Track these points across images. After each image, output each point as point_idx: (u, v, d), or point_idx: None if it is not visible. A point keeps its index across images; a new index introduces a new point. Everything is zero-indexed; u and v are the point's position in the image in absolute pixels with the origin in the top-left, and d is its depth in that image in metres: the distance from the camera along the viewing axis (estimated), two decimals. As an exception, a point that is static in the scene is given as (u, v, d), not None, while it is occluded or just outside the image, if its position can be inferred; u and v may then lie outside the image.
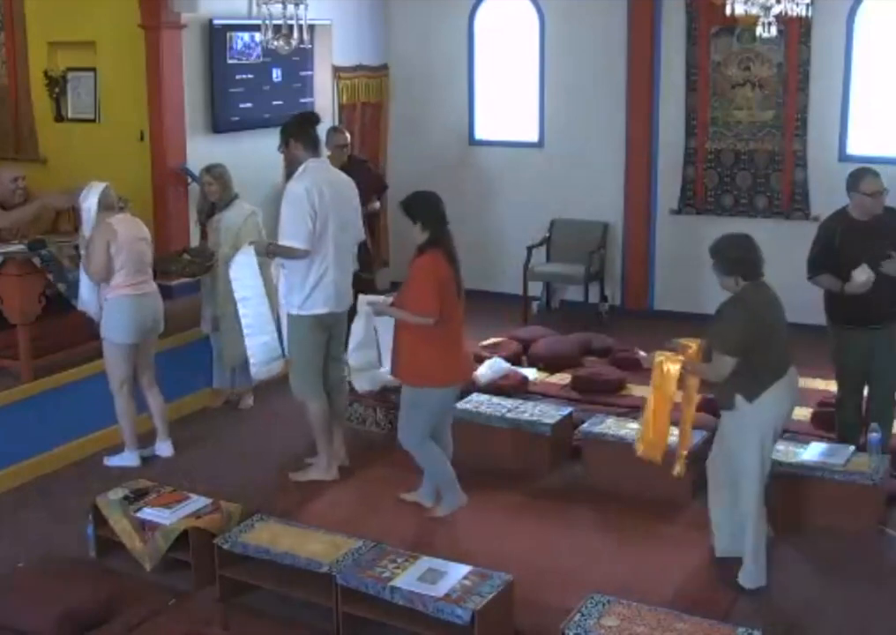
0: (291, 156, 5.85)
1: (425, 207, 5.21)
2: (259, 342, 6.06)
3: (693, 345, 4.83)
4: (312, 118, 5.90)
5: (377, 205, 7.86)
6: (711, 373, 4.69)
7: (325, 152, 7.22)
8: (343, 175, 5.96)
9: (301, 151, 5.71)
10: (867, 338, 5.61)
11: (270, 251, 5.79)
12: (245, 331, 6.08)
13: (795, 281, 8.41)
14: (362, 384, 6.01)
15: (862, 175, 5.46)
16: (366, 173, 7.71)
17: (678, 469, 4.96)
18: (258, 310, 6.07)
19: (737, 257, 4.73)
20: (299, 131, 5.72)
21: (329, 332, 5.82)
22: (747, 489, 4.71)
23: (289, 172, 5.82)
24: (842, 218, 5.58)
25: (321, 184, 5.62)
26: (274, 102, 8.42)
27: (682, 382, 4.81)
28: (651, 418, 4.85)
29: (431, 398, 5.28)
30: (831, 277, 5.57)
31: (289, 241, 5.58)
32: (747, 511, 4.73)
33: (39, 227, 6.72)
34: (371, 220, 7.74)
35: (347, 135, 7.65)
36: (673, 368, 4.73)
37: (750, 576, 4.72)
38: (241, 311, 6.07)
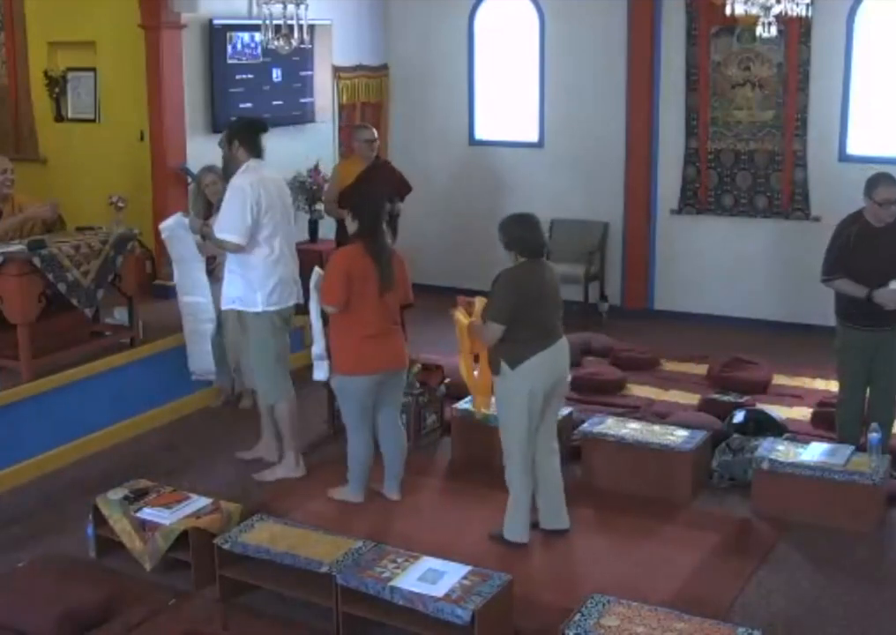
0: (231, 157, 5.84)
1: (362, 201, 5.43)
2: (192, 300, 6.20)
3: (478, 304, 5.20)
4: (259, 125, 5.88)
5: (400, 205, 7.84)
6: (483, 336, 5.04)
7: (356, 146, 7.63)
8: (277, 175, 5.96)
9: (243, 153, 5.72)
10: (872, 338, 5.60)
11: (203, 232, 5.93)
12: (178, 289, 6.24)
13: (796, 281, 8.49)
14: (316, 374, 5.89)
15: (877, 182, 5.43)
16: (390, 174, 7.72)
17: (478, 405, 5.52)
18: (193, 274, 6.15)
19: (517, 235, 5.06)
20: (246, 135, 5.74)
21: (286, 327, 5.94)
22: (507, 449, 5.09)
23: (227, 172, 5.90)
24: (857, 219, 5.56)
25: (266, 181, 5.69)
26: (274, 102, 8.43)
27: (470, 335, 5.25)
28: (469, 378, 5.37)
29: (350, 386, 5.43)
30: (851, 282, 5.52)
31: (225, 234, 5.62)
32: (510, 469, 5.10)
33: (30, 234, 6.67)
34: (394, 221, 7.74)
35: (374, 131, 7.74)
36: (463, 320, 5.21)
37: (513, 531, 5.12)
38: (175, 271, 6.21)
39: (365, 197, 5.51)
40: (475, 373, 5.40)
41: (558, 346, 5.05)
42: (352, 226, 5.37)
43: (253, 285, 5.70)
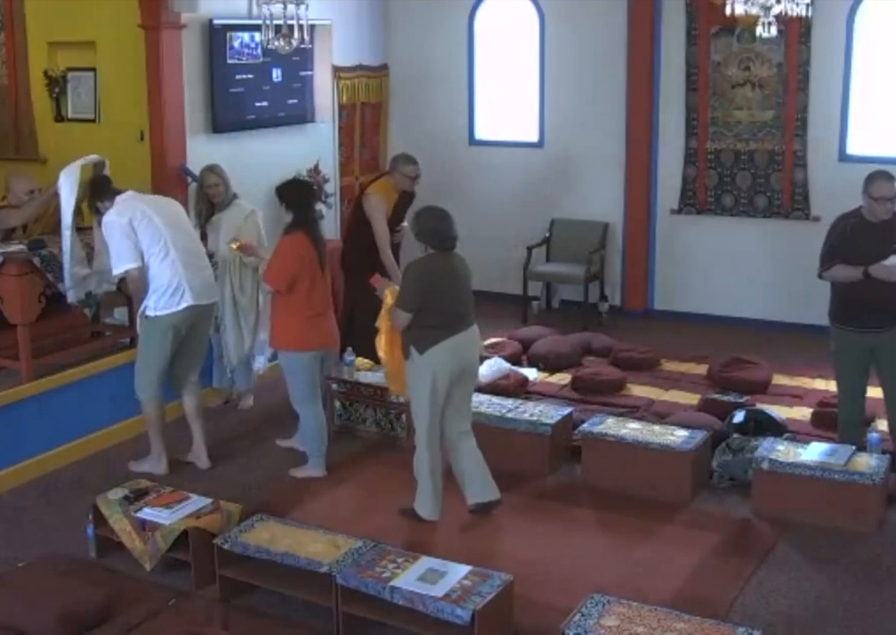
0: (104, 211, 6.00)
1: (294, 193, 5.85)
2: (71, 270, 6.08)
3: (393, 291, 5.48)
4: (99, 180, 6.11)
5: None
6: (393, 322, 5.29)
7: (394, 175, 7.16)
8: (159, 197, 6.26)
9: (109, 204, 5.88)
10: (866, 340, 5.58)
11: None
12: (65, 256, 6.09)
13: (796, 281, 8.49)
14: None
15: (874, 178, 5.43)
16: (411, 196, 7.41)
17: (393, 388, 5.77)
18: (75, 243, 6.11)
19: (430, 226, 5.23)
20: (100, 193, 5.97)
21: (188, 333, 5.97)
22: (417, 430, 5.32)
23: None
24: (854, 215, 5.56)
25: (134, 208, 5.82)
26: (274, 102, 8.42)
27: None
28: (387, 355, 5.52)
29: (297, 360, 5.80)
30: (845, 266, 5.50)
31: (122, 267, 5.78)
32: (419, 448, 5.33)
33: (50, 222, 6.65)
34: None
35: (419, 168, 7.12)
36: (389, 301, 5.41)
37: (423, 507, 5.36)
38: (64, 235, 6.04)
39: (293, 189, 5.89)
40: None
41: (467, 333, 5.27)
42: (286, 216, 5.77)
43: (154, 291, 5.85)
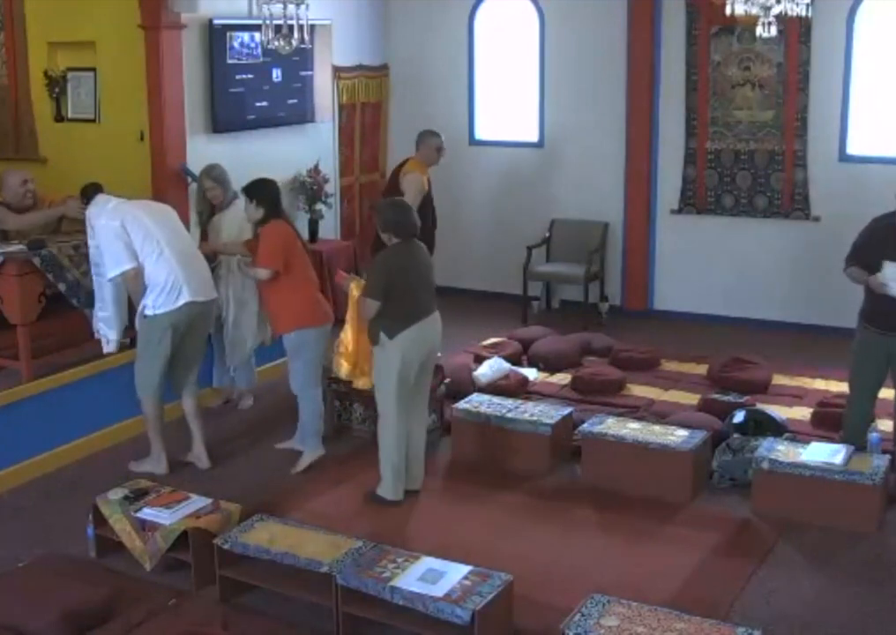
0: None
1: (262, 190, 6.00)
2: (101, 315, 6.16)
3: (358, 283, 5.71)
4: (97, 187, 6.17)
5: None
6: (362, 311, 5.50)
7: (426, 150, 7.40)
8: (151, 201, 6.33)
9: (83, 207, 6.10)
10: (888, 342, 5.52)
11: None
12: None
13: (796, 281, 8.49)
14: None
15: None
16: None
17: (361, 383, 5.85)
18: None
19: (392, 218, 5.48)
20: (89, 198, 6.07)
21: (187, 332, 5.98)
22: (381, 413, 5.56)
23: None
24: (887, 217, 5.50)
25: (125, 211, 5.88)
26: (274, 102, 8.42)
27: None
28: (352, 346, 5.75)
29: (308, 339, 5.94)
30: (859, 269, 5.49)
31: (119, 269, 5.83)
32: (381, 430, 5.55)
33: (45, 229, 6.69)
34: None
35: (442, 140, 7.53)
36: (355, 293, 5.63)
37: (385, 489, 5.57)
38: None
39: (262, 187, 6.00)
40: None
41: (430, 319, 5.51)
42: (256, 213, 5.96)
43: (152, 291, 5.88)
